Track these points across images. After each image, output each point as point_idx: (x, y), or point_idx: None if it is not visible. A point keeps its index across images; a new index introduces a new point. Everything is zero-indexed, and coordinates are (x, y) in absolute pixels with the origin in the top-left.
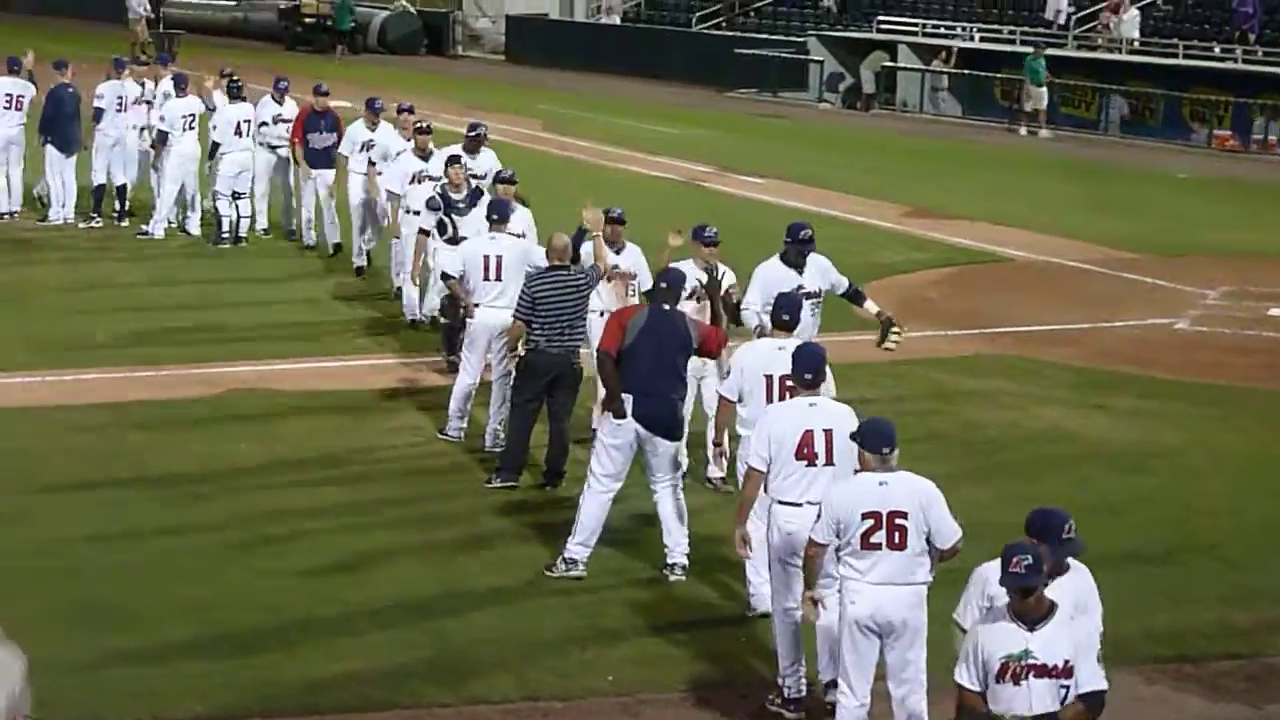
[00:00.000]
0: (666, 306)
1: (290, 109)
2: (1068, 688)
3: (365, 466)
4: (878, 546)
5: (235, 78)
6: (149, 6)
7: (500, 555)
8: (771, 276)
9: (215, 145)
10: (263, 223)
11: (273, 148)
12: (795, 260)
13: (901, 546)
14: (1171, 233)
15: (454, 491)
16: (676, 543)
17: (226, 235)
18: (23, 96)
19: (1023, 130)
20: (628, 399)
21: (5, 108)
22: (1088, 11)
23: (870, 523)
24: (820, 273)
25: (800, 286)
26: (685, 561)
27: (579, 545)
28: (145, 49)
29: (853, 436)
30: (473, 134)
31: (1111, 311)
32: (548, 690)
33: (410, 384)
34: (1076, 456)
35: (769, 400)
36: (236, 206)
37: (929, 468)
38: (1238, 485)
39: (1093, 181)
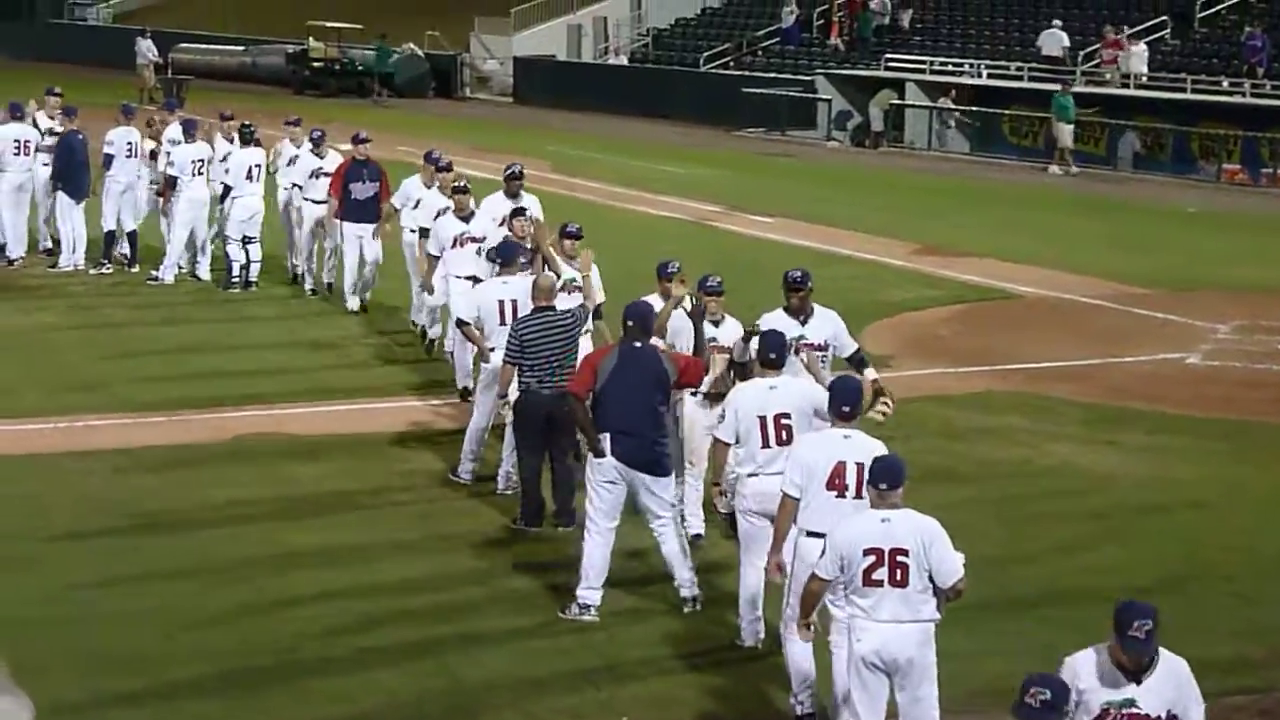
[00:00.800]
0: (638, 344)
1: (332, 161)
2: None
3: (377, 509)
4: (879, 584)
5: (248, 123)
6: (156, 52)
7: (512, 594)
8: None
9: (226, 189)
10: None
11: (317, 202)
12: (797, 308)
13: (903, 584)
14: (1182, 268)
15: (466, 532)
16: (685, 579)
17: (237, 279)
18: (30, 142)
19: (1055, 169)
20: (605, 438)
21: (15, 154)
22: (1092, 48)
23: (872, 559)
24: (829, 326)
25: (802, 337)
26: (698, 592)
27: (588, 590)
28: (154, 94)
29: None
30: (511, 175)
31: (1122, 347)
32: None
33: (422, 426)
34: (1088, 492)
35: (764, 442)
36: (247, 251)
37: (941, 505)
38: (1250, 520)
39: (1102, 217)
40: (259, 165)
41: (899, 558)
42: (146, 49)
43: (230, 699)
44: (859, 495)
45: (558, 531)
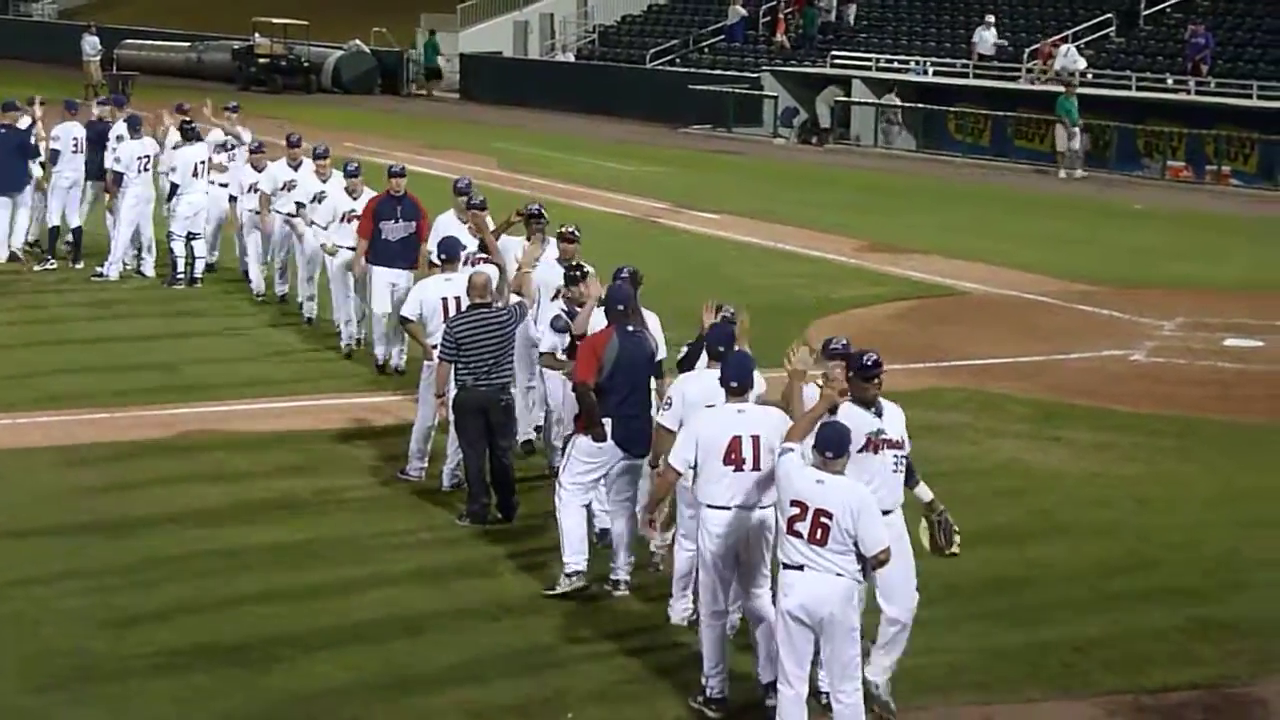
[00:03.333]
0: (630, 327)
1: (334, 186)
2: None
3: (324, 507)
4: (799, 535)
5: (189, 119)
6: (100, 47)
7: (459, 592)
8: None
9: (174, 186)
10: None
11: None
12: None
13: (821, 542)
14: (1127, 265)
15: (413, 529)
16: (622, 561)
17: (181, 276)
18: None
19: (1061, 173)
20: (607, 422)
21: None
22: (1035, 46)
23: (796, 510)
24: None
25: (880, 431)
26: (629, 577)
27: (574, 555)
28: (99, 90)
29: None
30: (534, 217)
31: (1068, 344)
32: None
33: (369, 424)
34: (1034, 489)
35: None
36: (191, 247)
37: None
38: (1196, 516)
39: (1048, 214)
40: (203, 161)
41: (822, 519)
42: (91, 45)
43: (179, 698)
44: (756, 468)
45: (502, 525)
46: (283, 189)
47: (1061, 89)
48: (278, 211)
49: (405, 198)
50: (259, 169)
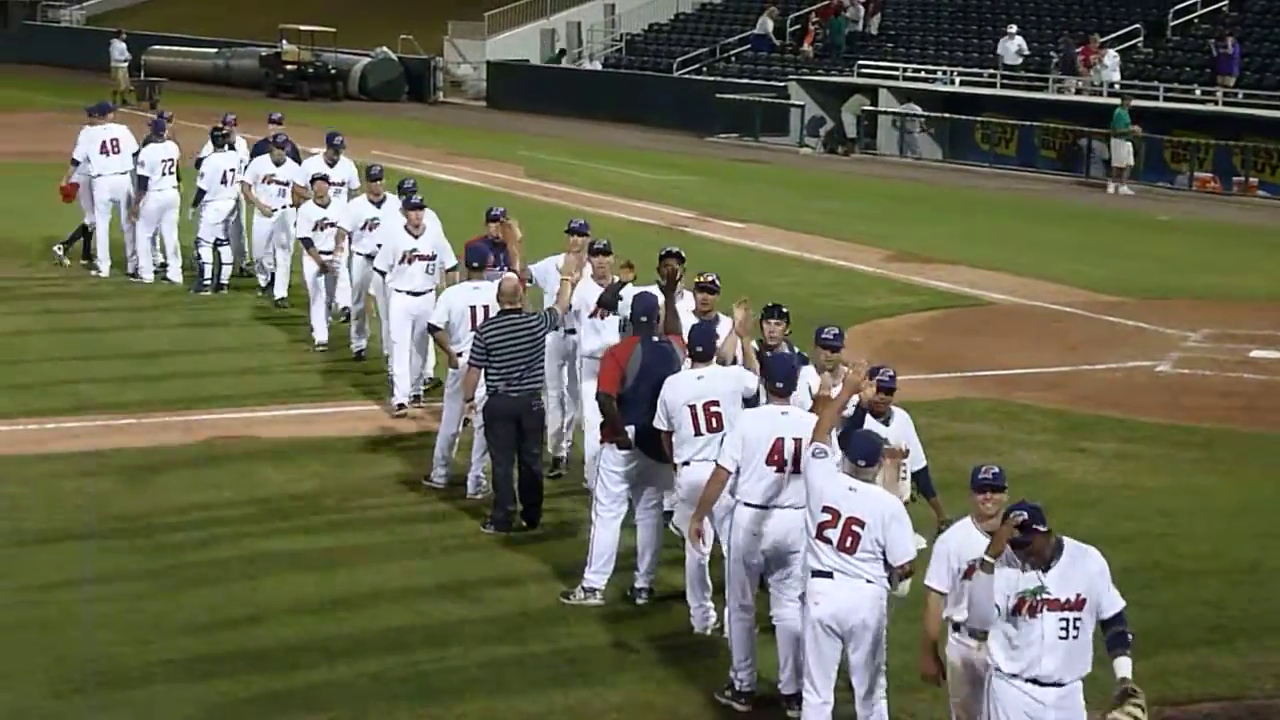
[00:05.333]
0: (655, 338)
1: (391, 210)
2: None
3: (348, 514)
4: (828, 541)
5: (220, 127)
6: (128, 54)
7: (483, 600)
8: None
9: (201, 193)
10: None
11: (368, 257)
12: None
13: (850, 550)
14: (1153, 276)
15: (438, 536)
16: (645, 567)
17: (209, 282)
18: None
19: (1111, 188)
20: (630, 430)
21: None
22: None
23: (828, 517)
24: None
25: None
26: (650, 585)
27: (595, 574)
28: (127, 96)
29: (840, 441)
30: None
31: (1093, 355)
32: None
33: (394, 432)
34: (1059, 500)
35: (696, 430)
36: (218, 254)
37: (909, 511)
38: (1220, 527)
39: (1074, 224)
40: (233, 169)
41: (854, 526)
42: (119, 51)
43: (204, 703)
44: (795, 470)
45: (526, 532)
46: (364, 228)
47: (1102, 100)
48: (358, 253)
49: (497, 243)
50: (323, 203)
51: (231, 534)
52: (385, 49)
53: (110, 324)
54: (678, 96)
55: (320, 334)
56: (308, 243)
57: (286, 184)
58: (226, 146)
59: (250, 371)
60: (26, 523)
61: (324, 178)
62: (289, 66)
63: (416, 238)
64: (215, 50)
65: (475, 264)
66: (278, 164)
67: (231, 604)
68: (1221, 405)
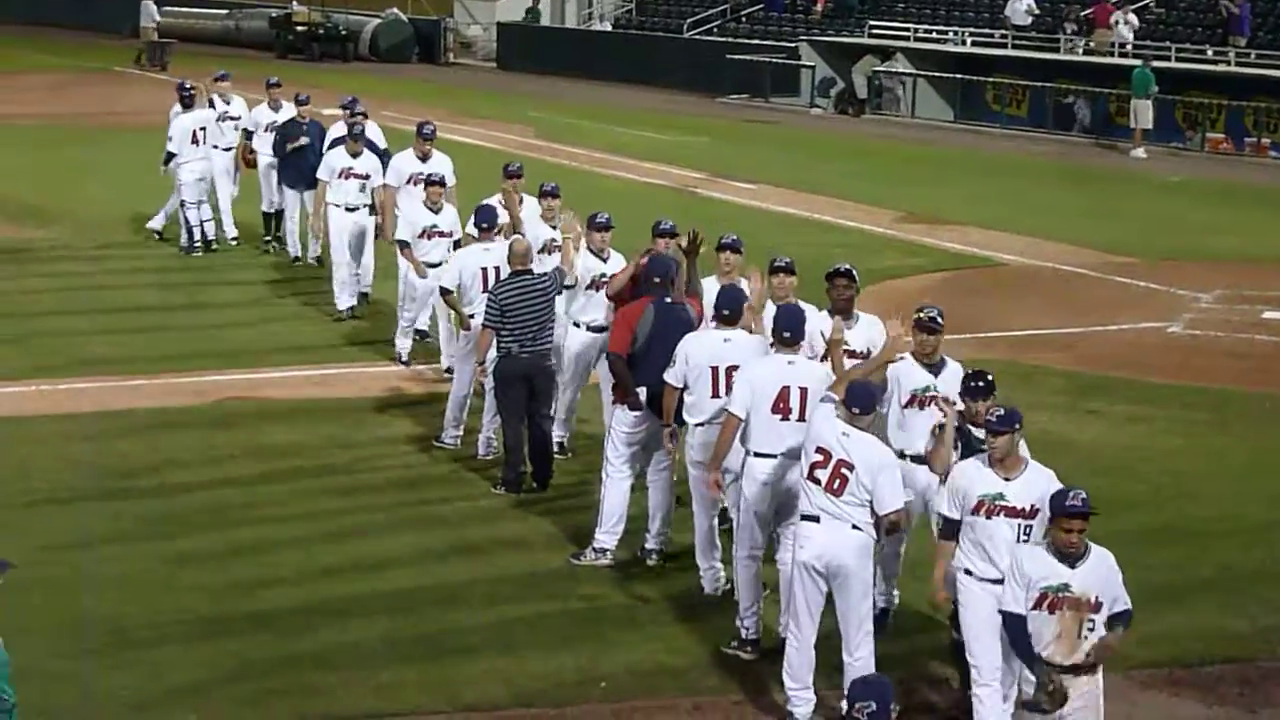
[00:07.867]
0: (668, 299)
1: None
2: None
3: (359, 475)
4: (817, 481)
5: (188, 86)
6: (157, 17)
7: (494, 562)
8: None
9: (170, 155)
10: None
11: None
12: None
13: (838, 493)
14: (1165, 237)
15: (449, 498)
16: (656, 529)
17: (200, 244)
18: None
19: (1136, 150)
20: (642, 391)
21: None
22: (1086, 12)
23: (819, 457)
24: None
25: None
26: (662, 547)
27: (606, 534)
28: (139, 57)
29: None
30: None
31: (1105, 316)
32: (540, 698)
33: (405, 393)
34: (1070, 462)
35: (714, 392)
36: (200, 212)
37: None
38: (1233, 489)
39: (1086, 186)
40: (203, 129)
41: (843, 469)
42: (148, 14)
43: (213, 664)
44: (801, 418)
45: (536, 493)
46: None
47: (1113, 60)
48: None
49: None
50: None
51: (242, 495)
52: (395, 10)
53: (120, 285)
54: (688, 57)
55: (403, 347)
56: (403, 245)
57: (366, 177)
58: (196, 106)
59: (261, 332)
60: (37, 483)
61: (438, 181)
62: (299, 28)
63: (355, 157)
64: (225, 11)
65: (485, 225)
66: (354, 155)
67: (242, 565)
68: (1233, 366)
